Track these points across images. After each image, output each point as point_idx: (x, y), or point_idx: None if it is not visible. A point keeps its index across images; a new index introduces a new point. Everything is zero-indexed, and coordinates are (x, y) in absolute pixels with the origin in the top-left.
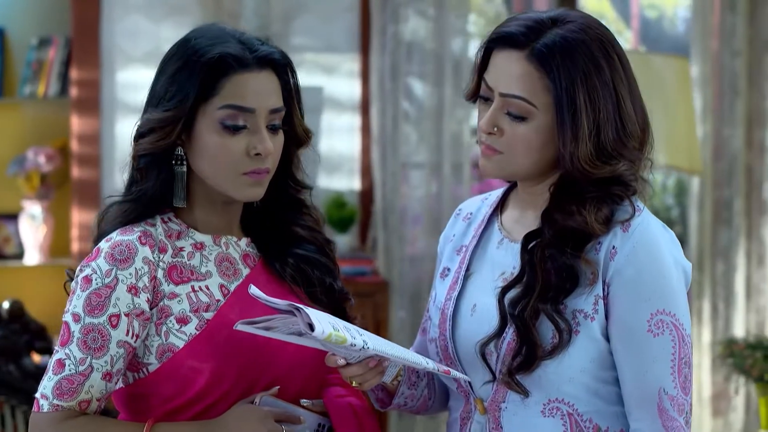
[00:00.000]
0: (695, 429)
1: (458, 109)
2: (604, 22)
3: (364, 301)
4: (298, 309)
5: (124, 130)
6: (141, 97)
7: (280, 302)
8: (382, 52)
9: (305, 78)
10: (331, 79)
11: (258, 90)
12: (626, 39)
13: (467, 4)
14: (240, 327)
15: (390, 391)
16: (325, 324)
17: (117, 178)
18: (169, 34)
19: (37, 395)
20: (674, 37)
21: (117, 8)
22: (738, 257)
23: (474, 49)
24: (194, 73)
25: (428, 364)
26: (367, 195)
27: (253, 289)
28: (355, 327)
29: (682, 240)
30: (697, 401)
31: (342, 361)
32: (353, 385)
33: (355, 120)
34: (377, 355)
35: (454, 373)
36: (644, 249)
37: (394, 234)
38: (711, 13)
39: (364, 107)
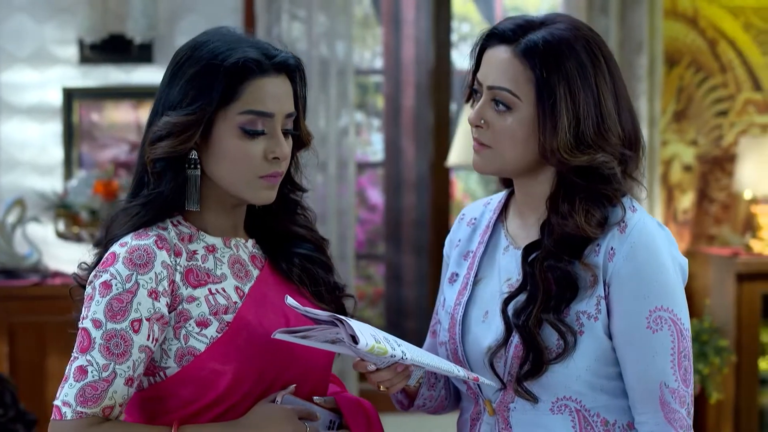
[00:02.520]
0: None
1: (320, 108)
2: (468, 25)
3: None
4: (341, 321)
5: (9, 131)
6: (26, 97)
7: (322, 314)
8: None
9: None
10: None
11: (276, 95)
12: None
13: (336, 6)
14: (279, 336)
15: (410, 393)
16: (368, 336)
17: (3, 179)
18: (55, 35)
19: (57, 403)
20: None
21: (1, 8)
22: None
23: (342, 50)
24: (217, 78)
25: (459, 371)
26: None
27: (290, 300)
28: (391, 336)
29: None
30: None
31: (372, 367)
32: (381, 389)
33: None
34: (414, 364)
35: (483, 379)
36: (642, 248)
37: None
38: (582, 15)
39: None
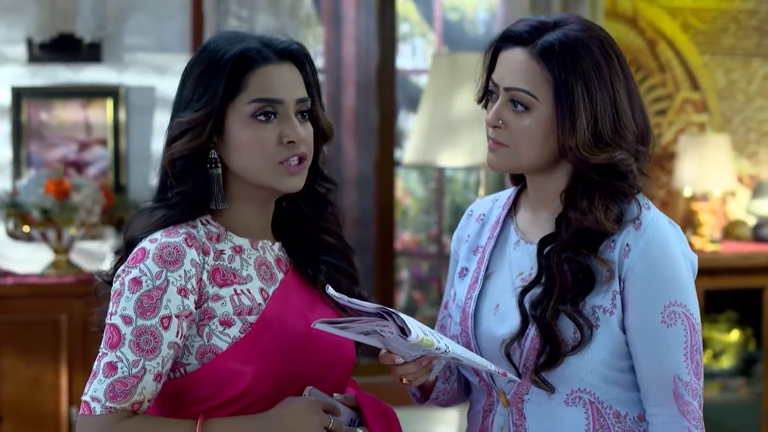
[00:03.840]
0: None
1: None
2: (408, 25)
3: None
4: (390, 314)
5: None
6: None
7: (369, 305)
8: None
9: (138, 78)
10: (163, 78)
11: (283, 81)
12: (430, 41)
13: (282, 6)
14: (319, 326)
15: (425, 387)
16: (417, 329)
17: None
18: (3, 34)
19: (86, 398)
20: (475, 39)
21: None
22: None
23: None
24: (219, 72)
25: (491, 366)
26: None
27: (332, 290)
28: (431, 329)
29: None
30: None
31: (400, 360)
32: (403, 382)
33: None
34: (454, 358)
35: (510, 375)
36: (656, 245)
37: None
38: (525, 15)
39: None
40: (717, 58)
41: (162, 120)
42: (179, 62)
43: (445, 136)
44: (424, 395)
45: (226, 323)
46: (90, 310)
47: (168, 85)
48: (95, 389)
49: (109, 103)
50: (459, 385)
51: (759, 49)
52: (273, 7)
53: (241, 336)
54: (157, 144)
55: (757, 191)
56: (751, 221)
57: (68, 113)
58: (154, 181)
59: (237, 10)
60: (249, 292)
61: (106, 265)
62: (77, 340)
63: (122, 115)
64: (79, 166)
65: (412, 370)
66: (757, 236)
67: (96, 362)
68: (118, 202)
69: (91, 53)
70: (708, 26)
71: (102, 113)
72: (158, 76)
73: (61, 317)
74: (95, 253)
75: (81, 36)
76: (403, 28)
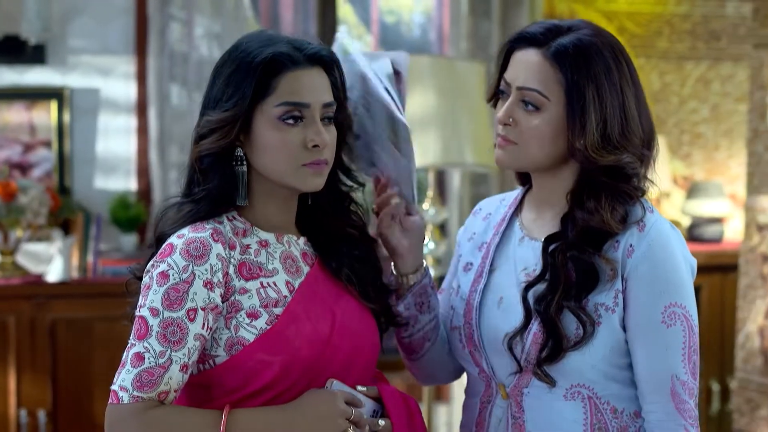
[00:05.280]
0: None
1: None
2: (345, 27)
3: None
4: None
5: None
6: None
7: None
8: (161, 53)
9: (82, 80)
10: (107, 80)
11: (311, 86)
12: (367, 43)
13: (220, 9)
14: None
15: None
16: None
17: None
18: None
19: (115, 387)
20: (411, 41)
21: None
22: None
23: (219, 51)
24: (249, 74)
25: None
26: (144, 195)
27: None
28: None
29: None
30: (458, 387)
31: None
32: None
33: (131, 121)
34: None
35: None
36: (658, 247)
37: None
38: (466, 18)
39: (140, 108)
40: (652, 61)
41: (106, 122)
42: (123, 64)
43: None
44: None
45: (253, 315)
46: (37, 311)
47: (112, 87)
48: (123, 379)
49: (54, 105)
50: (433, 334)
51: (692, 52)
52: (213, 9)
53: (268, 328)
54: (102, 146)
55: (691, 192)
56: (686, 222)
57: (12, 115)
58: (132, 182)
59: (177, 12)
60: (275, 284)
61: (55, 267)
62: (25, 342)
63: (66, 117)
64: (23, 168)
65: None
66: (692, 236)
67: (125, 353)
68: (64, 204)
69: (36, 55)
70: (643, 30)
71: (46, 115)
72: (102, 78)
73: (9, 319)
74: (41, 255)
75: (25, 38)
76: (336, 29)
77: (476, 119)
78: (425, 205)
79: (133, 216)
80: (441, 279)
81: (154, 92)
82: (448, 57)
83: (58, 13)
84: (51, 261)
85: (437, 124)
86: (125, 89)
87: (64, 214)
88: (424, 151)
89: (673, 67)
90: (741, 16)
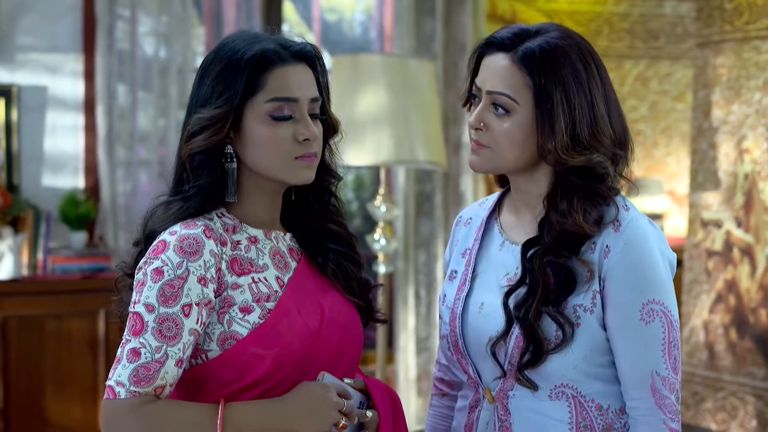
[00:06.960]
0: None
1: (150, 108)
2: (286, 26)
3: (106, 296)
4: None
5: None
6: None
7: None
8: (108, 52)
9: (30, 78)
10: (54, 78)
11: (298, 81)
12: (309, 41)
13: (165, 8)
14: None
15: None
16: None
17: None
18: None
19: (111, 383)
20: (352, 40)
21: None
22: (438, 247)
23: (164, 50)
24: (239, 71)
25: None
26: (92, 193)
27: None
28: None
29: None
30: (404, 382)
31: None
32: None
33: (79, 119)
34: None
35: None
36: (635, 245)
37: (122, 231)
38: (410, 17)
39: (88, 106)
40: None
41: (54, 119)
42: (71, 62)
43: (349, 135)
44: None
45: (246, 310)
46: None
47: (60, 85)
48: (119, 374)
49: (1, 103)
50: None
51: (631, 51)
52: (160, 8)
53: (261, 322)
54: (50, 143)
55: (630, 189)
56: None
57: None
58: (80, 179)
59: (122, 11)
60: (266, 279)
61: (5, 264)
62: None
63: (14, 115)
64: None
65: None
66: None
67: (120, 349)
68: (13, 202)
69: None
70: (583, 29)
71: None
72: (50, 75)
73: None
74: None
75: None
76: (281, 28)
77: (427, 117)
78: (376, 202)
79: (82, 213)
80: (391, 275)
81: (102, 90)
82: (399, 55)
83: (6, 10)
84: (1, 259)
85: (389, 122)
86: (73, 87)
87: (14, 212)
88: (377, 149)
89: (613, 65)
90: (679, 15)
